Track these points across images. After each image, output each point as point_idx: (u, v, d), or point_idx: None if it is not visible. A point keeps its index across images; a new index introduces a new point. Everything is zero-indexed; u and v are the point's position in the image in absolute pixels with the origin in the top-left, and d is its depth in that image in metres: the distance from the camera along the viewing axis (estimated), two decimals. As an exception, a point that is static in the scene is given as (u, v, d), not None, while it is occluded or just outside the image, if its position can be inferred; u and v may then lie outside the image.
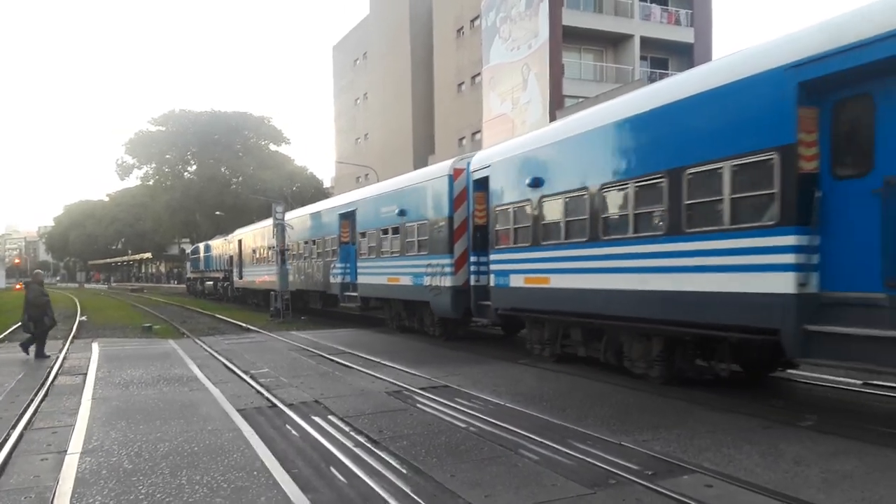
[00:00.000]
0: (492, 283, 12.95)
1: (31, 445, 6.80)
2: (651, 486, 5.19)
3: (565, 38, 33.75)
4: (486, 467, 5.75)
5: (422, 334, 16.60)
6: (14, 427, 7.44)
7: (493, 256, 12.96)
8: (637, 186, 9.15)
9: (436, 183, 15.12)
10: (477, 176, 13.67)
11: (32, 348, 13.55)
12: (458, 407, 8.14)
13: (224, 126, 63.10)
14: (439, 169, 15.35)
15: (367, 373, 10.92)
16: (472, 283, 13.91)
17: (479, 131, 39.75)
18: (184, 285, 57.53)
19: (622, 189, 9.46)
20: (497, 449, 6.31)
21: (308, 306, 25.58)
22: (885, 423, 7.19)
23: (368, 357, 12.68)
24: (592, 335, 10.88)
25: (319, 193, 60.97)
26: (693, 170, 8.19)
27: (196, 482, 5.44)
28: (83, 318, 25.55)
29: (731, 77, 7.86)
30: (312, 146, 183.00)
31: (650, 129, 9.06)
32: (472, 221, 14.04)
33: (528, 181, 11.49)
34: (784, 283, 7.05)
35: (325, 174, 75.88)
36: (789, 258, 7.03)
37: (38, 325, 13.54)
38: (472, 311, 14.03)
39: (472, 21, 41.72)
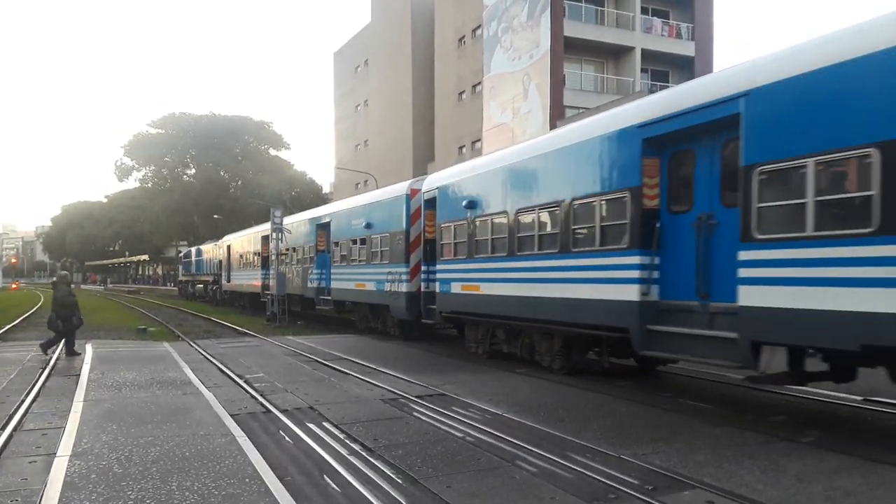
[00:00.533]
0: (437, 290, 14.79)
1: (20, 447, 6.68)
2: (651, 501, 5.09)
3: (567, 49, 33.84)
4: (483, 479, 5.65)
5: (385, 335, 18.21)
6: (3, 428, 7.32)
7: (438, 266, 14.79)
8: (540, 212, 11.11)
9: (396, 201, 17.04)
10: (427, 196, 15.55)
11: (61, 348, 13.83)
12: (454, 416, 8.04)
13: (224, 130, 63.10)
14: (399, 188, 17.34)
15: (363, 379, 10.81)
16: (423, 289, 15.75)
17: (479, 140, 39.78)
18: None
19: (531, 214, 11.36)
20: (494, 460, 6.21)
21: (290, 309, 25.86)
22: (887, 439, 7.12)
23: (365, 363, 12.58)
24: (512, 334, 12.72)
25: (318, 199, 60.96)
26: (578, 202, 10.19)
27: (186, 488, 5.33)
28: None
29: (602, 131, 9.87)
30: (312, 151, 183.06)
31: (550, 166, 11.05)
32: (424, 235, 16.00)
33: (464, 203, 13.33)
34: (632, 293, 8.94)
35: (325, 180, 75.84)
36: (636, 273, 8.92)
37: (66, 323, 13.90)
38: (422, 313, 15.80)
39: (474, 30, 41.83)
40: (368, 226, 18.45)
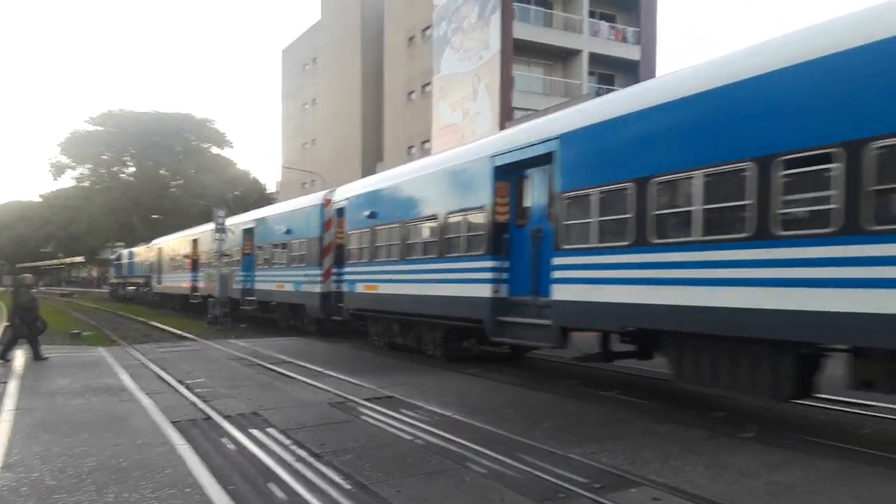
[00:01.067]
0: (345, 290, 16.52)
1: (-60, 461, 6.27)
2: (600, 499, 5.14)
3: (516, 50, 34.10)
4: (434, 482, 5.59)
5: (303, 332, 19.43)
6: (-78, 441, 6.86)
7: (346, 269, 16.49)
8: (424, 223, 13.10)
9: (312, 209, 18.81)
10: (337, 206, 17.45)
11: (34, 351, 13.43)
12: (403, 418, 7.95)
13: (165, 127, 61.06)
14: (315, 198, 19.23)
15: (308, 383, 10.61)
16: (335, 289, 17.40)
17: (428, 140, 39.72)
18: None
19: (417, 224, 13.35)
20: (444, 462, 6.16)
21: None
22: (823, 434, 7.38)
23: (310, 366, 12.35)
24: (405, 327, 14.35)
25: (263, 199, 59.75)
26: (450, 215, 12.19)
27: (124, 500, 5.09)
28: (9, 323, 24.14)
29: (468, 158, 12.06)
30: (259, 150, 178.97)
31: (431, 185, 13.11)
32: (336, 241, 17.65)
33: (367, 213, 15.19)
34: (486, 291, 11.00)
35: (272, 179, 74.52)
36: (489, 275, 11.01)
37: (30, 328, 13.52)
38: (333, 311, 17.44)
39: (424, 30, 41.77)
40: (288, 232, 20.14)
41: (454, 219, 12.05)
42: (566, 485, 5.48)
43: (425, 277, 12.84)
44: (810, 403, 9.03)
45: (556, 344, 9.66)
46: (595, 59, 36.19)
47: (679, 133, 7.79)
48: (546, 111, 20.39)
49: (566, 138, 9.45)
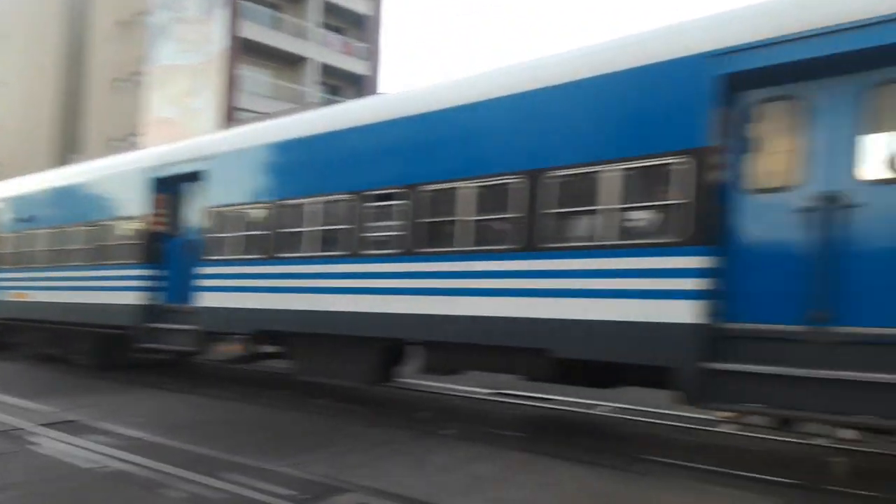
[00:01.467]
0: None
1: None
2: (305, 511, 4.98)
3: (245, 50, 32.70)
4: (117, 514, 4.90)
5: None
6: None
7: None
8: (80, 229, 12.78)
9: None
10: None
11: None
12: (86, 446, 6.89)
13: None
14: None
15: (-36, 411, 8.69)
16: None
17: (135, 133, 35.98)
18: None
19: (73, 230, 12.93)
20: (134, 491, 5.45)
21: None
22: (510, 427, 8.20)
23: (-30, 391, 10.19)
24: (59, 337, 13.71)
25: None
26: (109, 223, 12.13)
27: None
28: None
29: (132, 167, 11.99)
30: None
31: (90, 191, 12.90)
32: None
33: (20, 217, 14.64)
34: (137, 298, 11.18)
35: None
36: (141, 283, 11.17)
37: None
38: None
39: (138, 15, 37.90)
40: None
41: (112, 226, 12.08)
42: (272, 499, 5.22)
43: (81, 285, 12.63)
44: (500, 400, 10.03)
45: (200, 348, 10.29)
46: (327, 69, 36.38)
47: (295, 166, 9.20)
48: (271, 115, 19.91)
49: (214, 159, 10.31)
